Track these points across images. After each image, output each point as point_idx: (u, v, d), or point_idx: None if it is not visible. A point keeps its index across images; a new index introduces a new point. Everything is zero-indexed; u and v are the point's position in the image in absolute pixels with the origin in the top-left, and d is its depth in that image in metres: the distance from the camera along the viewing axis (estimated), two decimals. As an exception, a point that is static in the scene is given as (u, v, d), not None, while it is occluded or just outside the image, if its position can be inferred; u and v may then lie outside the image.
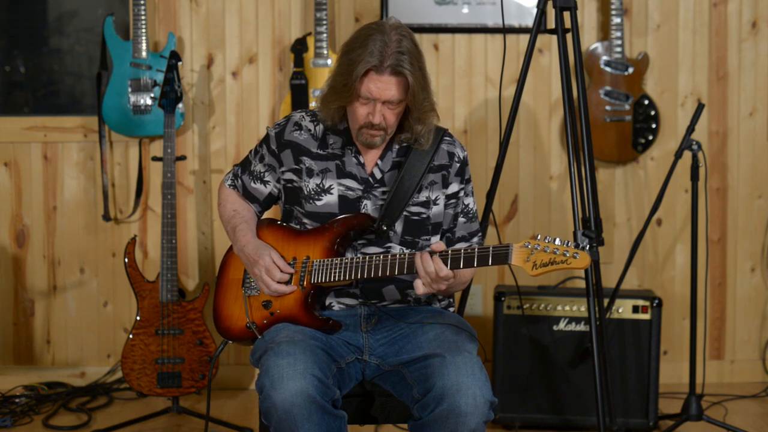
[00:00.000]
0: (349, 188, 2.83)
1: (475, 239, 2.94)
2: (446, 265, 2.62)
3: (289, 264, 2.79)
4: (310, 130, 2.87)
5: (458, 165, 2.88)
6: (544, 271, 2.55)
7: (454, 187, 2.88)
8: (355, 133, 2.79)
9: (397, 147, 2.85)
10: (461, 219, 2.90)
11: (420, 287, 2.65)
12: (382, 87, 2.67)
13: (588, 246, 3.18)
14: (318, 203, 2.83)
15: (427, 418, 2.57)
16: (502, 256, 2.59)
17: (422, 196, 2.83)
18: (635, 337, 3.84)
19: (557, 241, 2.56)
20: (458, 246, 2.88)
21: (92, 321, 4.40)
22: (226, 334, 2.86)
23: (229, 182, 3.01)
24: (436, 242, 2.67)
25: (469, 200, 2.92)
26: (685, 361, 4.29)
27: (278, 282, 2.76)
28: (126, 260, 3.91)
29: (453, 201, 2.88)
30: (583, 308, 3.82)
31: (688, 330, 4.17)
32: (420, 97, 2.71)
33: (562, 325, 3.85)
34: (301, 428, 2.53)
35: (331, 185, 2.83)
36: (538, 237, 2.58)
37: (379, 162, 2.84)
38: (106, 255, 4.37)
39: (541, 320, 3.85)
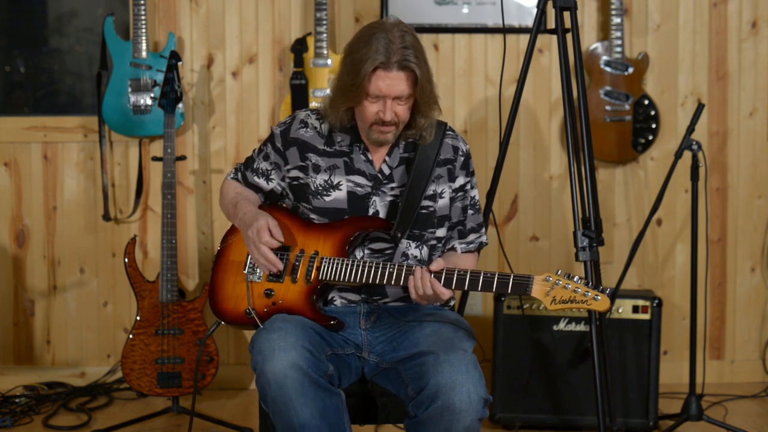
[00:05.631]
0: (358, 185, 2.84)
1: (483, 230, 2.99)
2: (464, 286, 2.65)
3: (297, 255, 2.79)
4: (316, 128, 2.88)
5: (462, 159, 2.92)
6: (563, 307, 2.60)
7: (460, 181, 2.91)
8: (365, 131, 2.80)
9: (403, 143, 2.87)
10: (470, 211, 2.95)
11: (413, 297, 2.70)
12: (391, 83, 2.69)
13: (589, 248, 3.18)
14: (327, 199, 2.83)
15: (422, 416, 2.58)
16: (522, 286, 2.62)
17: (429, 190, 2.85)
18: (635, 337, 3.84)
19: (577, 279, 2.60)
20: (470, 238, 2.94)
21: (92, 321, 4.40)
22: (222, 315, 2.84)
23: (232, 175, 3.03)
24: (435, 262, 2.67)
25: (474, 192, 2.96)
26: (685, 361, 4.29)
27: (264, 245, 2.73)
28: (126, 260, 3.91)
29: (461, 194, 2.92)
30: (583, 308, 3.82)
31: (688, 330, 4.17)
32: (427, 89, 2.75)
33: (562, 325, 3.85)
34: (296, 402, 2.53)
35: (339, 181, 2.83)
36: (559, 272, 2.61)
37: (387, 158, 2.86)
38: (106, 255, 4.37)
39: (541, 320, 3.85)
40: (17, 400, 4.16)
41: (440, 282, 2.65)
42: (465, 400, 2.53)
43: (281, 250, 2.80)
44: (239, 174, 3.00)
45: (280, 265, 2.76)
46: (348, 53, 2.75)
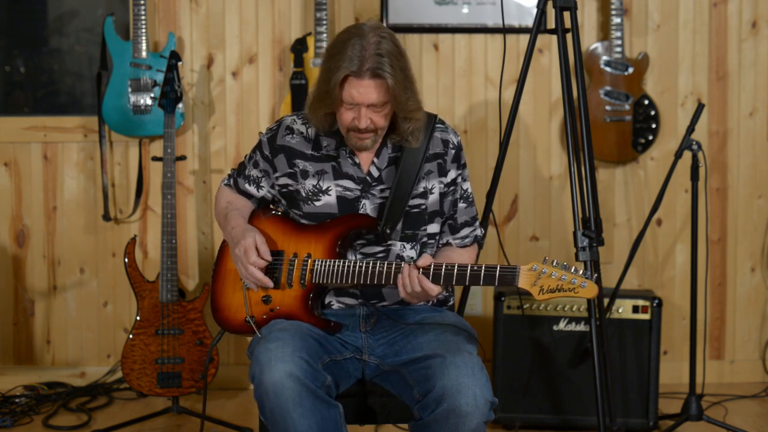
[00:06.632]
0: (346, 189, 2.82)
1: (477, 223, 2.95)
2: (452, 280, 2.62)
3: (290, 260, 2.79)
4: (302, 133, 2.87)
5: (453, 152, 2.88)
6: (551, 296, 2.57)
7: (451, 174, 2.88)
8: (345, 136, 2.79)
9: (391, 144, 2.85)
10: (461, 204, 2.91)
11: (402, 295, 2.68)
12: (363, 92, 2.66)
13: (589, 248, 3.18)
14: (317, 204, 2.82)
15: (428, 419, 2.57)
16: (509, 277, 2.59)
17: (420, 187, 2.83)
18: (635, 337, 3.84)
19: (565, 268, 2.57)
20: (463, 232, 2.91)
21: (92, 321, 4.40)
22: (224, 325, 2.85)
23: (225, 182, 3.03)
24: (422, 258, 2.65)
25: (466, 185, 2.92)
26: (685, 361, 4.29)
27: (252, 265, 2.73)
28: (126, 260, 3.91)
29: (452, 188, 2.89)
30: (583, 308, 3.82)
31: (688, 330, 4.17)
32: (403, 98, 2.70)
33: (562, 325, 3.85)
34: (294, 413, 2.52)
35: (328, 186, 2.82)
36: (546, 260, 2.58)
37: (375, 160, 2.84)
38: (106, 255, 4.37)
39: (541, 320, 3.85)
40: (17, 400, 4.16)
41: (428, 278, 2.63)
42: (471, 403, 2.52)
43: (274, 256, 2.80)
44: (232, 180, 3.00)
45: (270, 284, 2.75)
46: (325, 59, 2.73)
